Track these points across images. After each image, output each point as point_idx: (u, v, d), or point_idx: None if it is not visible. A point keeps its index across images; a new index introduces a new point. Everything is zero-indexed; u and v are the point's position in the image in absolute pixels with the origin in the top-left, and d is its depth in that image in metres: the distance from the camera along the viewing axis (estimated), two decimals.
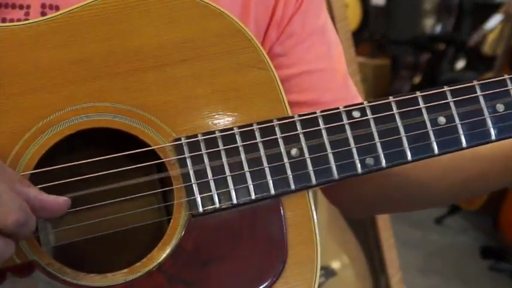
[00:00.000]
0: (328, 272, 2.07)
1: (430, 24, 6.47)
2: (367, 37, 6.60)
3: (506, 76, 0.89)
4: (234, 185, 0.83)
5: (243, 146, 0.84)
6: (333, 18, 1.91)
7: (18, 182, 0.73)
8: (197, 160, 0.83)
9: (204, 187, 0.83)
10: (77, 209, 0.83)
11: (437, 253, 4.31)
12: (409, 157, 0.87)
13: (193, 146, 0.83)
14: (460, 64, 6.08)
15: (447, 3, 6.30)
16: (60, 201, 0.75)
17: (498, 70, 4.55)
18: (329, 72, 1.02)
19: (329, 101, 1.00)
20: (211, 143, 0.83)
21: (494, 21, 5.05)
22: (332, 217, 2.09)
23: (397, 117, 0.87)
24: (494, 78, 0.89)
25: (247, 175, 0.84)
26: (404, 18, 6.55)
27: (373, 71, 6.35)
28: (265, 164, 0.84)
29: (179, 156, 0.83)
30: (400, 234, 3.47)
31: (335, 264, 2.11)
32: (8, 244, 0.70)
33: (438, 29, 6.37)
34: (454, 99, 0.88)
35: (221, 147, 0.84)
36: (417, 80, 6.16)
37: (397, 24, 6.58)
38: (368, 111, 0.87)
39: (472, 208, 4.43)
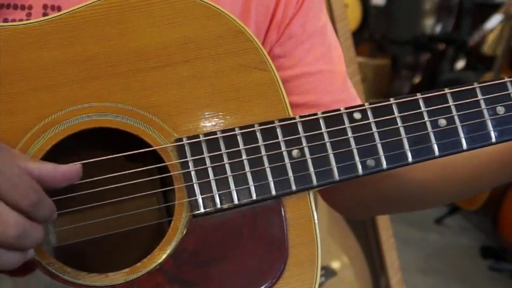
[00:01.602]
0: (328, 272, 2.07)
1: (430, 24, 6.47)
2: (367, 37, 6.60)
3: (506, 79, 0.89)
4: (235, 186, 0.83)
5: (245, 146, 0.84)
6: (333, 18, 1.92)
7: (23, 159, 0.74)
8: (198, 160, 0.83)
9: (205, 187, 0.83)
10: (78, 208, 0.84)
11: (437, 253, 4.32)
12: (410, 159, 0.87)
13: (195, 147, 0.83)
14: (460, 64, 6.08)
15: (447, 3, 6.30)
16: (73, 170, 0.76)
17: (498, 70, 4.55)
18: (329, 74, 1.02)
19: (328, 102, 1.00)
20: (212, 143, 0.84)
21: (494, 21, 5.05)
22: (332, 217, 2.10)
23: (398, 119, 0.87)
24: (495, 80, 0.89)
25: (249, 176, 0.84)
26: (404, 18, 6.55)
27: (373, 71, 6.35)
28: (266, 164, 0.84)
29: (181, 157, 0.83)
30: (400, 234, 3.47)
31: (335, 264, 2.12)
32: (34, 226, 0.71)
33: (438, 29, 6.37)
34: (455, 101, 0.88)
35: (222, 147, 0.84)
36: (417, 80, 6.16)
37: (397, 24, 6.58)
38: (369, 113, 0.87)
39: (472, 208, 4.43)
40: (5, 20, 0.88)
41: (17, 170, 0.71)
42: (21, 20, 0.88)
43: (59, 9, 0.88)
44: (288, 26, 1.00)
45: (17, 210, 0.70)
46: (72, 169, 0.76)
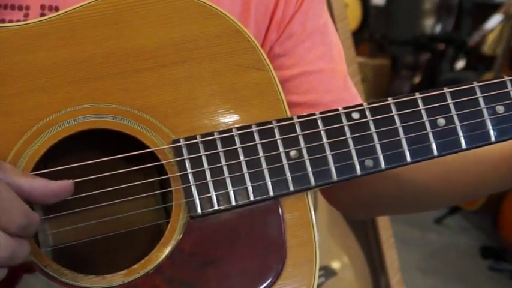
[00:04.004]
0: (328, 272, 2.07)
1: (430, 24, 6.47)
2: (367, 37, 6.60)
3: (506, 78, 0.89)
4: (233, 187, 0.83)
5: (242, 147, 0.84)
6: (333, 18, 1.91)
7: (14, 175, 0.74)
8: (196, 162, 0.83)
9: (202, 188, 0.83)
10: (76, 210, 0.83)
11: (437, 253, 4.32)
12: (408, 159, 0.87)
13: (192, 148, 0.83)
14: (460, 64, 6.08)
15: (447, 3, 6.30)
16: (64, 187, 0.77)
17: (498, 70, 4.56)
18: (329, 73, 1.02)
19: (329, 101, 0.99)
20: (210, 144, 0.83)
21: (494, 21, 5.05)
22: (332, 217, 2.10)
23: (396, 118, 0.87)
24: (494, 79, 0.89)
25: (246, 176, 0.83)
26: (404, 18, 6.55)
27: (373, 71, 6.35)
28: (264, 165, 0.84)
29: (178, 159, 0.83)
30: (400, 234, 3.47)
31: (335, 264, 2.12)
32: (22, 245, 0.72)
33: (438, 29, 6.37)
34: (454, 100, 0.88)
35: (220, 148, 0.83)
36: (417, 80, 6.17)
37: (397, 24, 6.57)
38: (367, 113, 0.86)
39: (472, 208, 4.43)
40: (3, 21, 0.88)
41: (8, 193, 0.71)
42: (18, 20, 0.88)
43: (57, 9, 0.88)
44: (288, 25, 1.00)
45: (6, 232, 0.70)
46: (63, 186, 0.76)
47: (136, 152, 0.82)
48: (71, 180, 0.77)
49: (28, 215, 0.72)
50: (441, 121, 0.87)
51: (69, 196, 0.77)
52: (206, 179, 0.83)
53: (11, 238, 0.70)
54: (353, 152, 0.85)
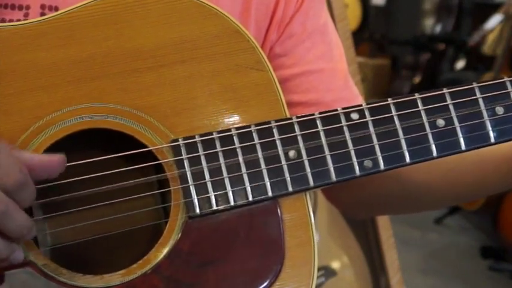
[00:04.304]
0: (328, 272, 2.07)
1: (430, 24, 6.47)
2: (367, 37, 6.60)
3: (506, 78, 0.89)
4: (232, 187, 0.83)
5: (241, 147, 0.84)
6: (333, 18, 1.91)
7: (12, 148, 0.74)
8: (194, 161, 0.83)
9: (201, 189, 0.82)
10: (75, 209, 0.83)
11: (437, 253, 4.32)
12: (408, 160, 0.86)
13: (191, 147, 0.83)
14: (460, 64, 6.07)
15: (447, 3, 6.30)
16: (55, 158, 0.75)
17: (498, 70, 4.55)
18: (330, 72, 1.02)
19: (330, 101, 1.00)
20: (208, 144, 0.83)
21: (494, 21, 5.05)
22: (332, 217, 2.09)
23: (395, 119, 0.87)
24: (494, 80, 0.89)
25: (245, 177, 0.83)
26: (404, 18, 6.55)
27: (373, 71, 6.35)
28: (262, 165, 0.84)
29: (176, 158, 0.83)
30: (400, 234, 3.47)
31: (335, 264, 2.11)
32: (17, 209, 0.71)
33: (438, 29, 6.37)
34: (453, 101, 0.88)
35: (218, 148, 0.83)
36: (417, 80, 6.16)
37: (397, 24, 6.57)
38: (367, 113, 0.86)
39: (472, 208, 4.43)
40: (3, 20, 0.88)
41: (4, 149, 0.71)
42: (18, 20, 0.88)
43: (57, 9, 0.89)
44: (288, 25, 1.00)
45: (1, 188, 0.69)
46: (53, 158, 0.75)
47: (133, 151, 0.82)
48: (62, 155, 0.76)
49: (24, 173, 0.71)
50: (440, 122, 0.87)
51: (61, 170, 0.76)
52: (205, 179, 0.83)
53: (6, 196, 0.70)
54: (352, 153, 0.85)
